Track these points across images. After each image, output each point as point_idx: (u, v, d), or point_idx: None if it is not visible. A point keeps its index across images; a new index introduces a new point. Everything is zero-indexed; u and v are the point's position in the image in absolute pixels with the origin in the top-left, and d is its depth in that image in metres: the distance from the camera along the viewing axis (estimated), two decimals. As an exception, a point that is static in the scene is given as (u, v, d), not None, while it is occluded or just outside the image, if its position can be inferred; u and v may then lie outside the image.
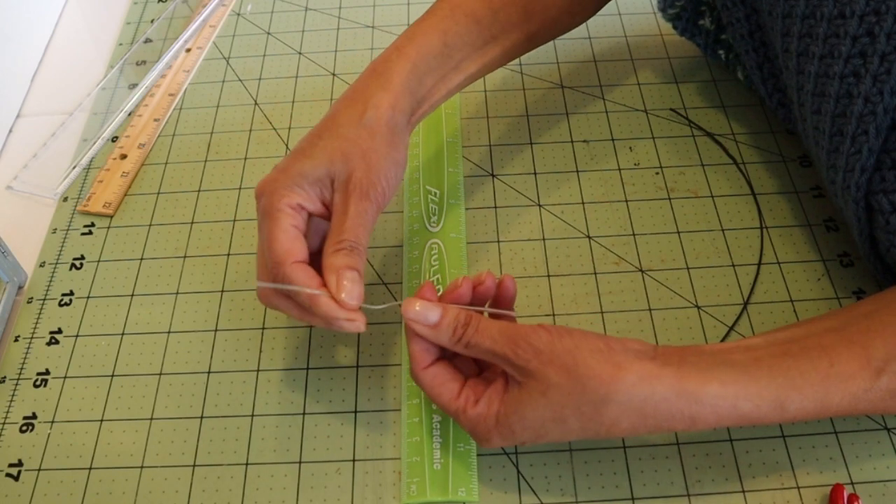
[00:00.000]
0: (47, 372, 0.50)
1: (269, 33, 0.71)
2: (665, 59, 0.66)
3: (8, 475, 0.46)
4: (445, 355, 0.43)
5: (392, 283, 0.53)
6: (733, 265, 0.53)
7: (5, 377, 0.50)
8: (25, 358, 0.51)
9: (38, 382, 0.50)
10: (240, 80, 0.67)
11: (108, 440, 0.47)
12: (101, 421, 0.48)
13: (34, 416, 0.48)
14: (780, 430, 0.46)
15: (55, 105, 0.67)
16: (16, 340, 0.52)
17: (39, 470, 0.46)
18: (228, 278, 0.54)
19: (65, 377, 0.50)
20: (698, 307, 0.51)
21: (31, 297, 0.54)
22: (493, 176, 0.59)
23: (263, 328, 0.51)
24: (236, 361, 0.50)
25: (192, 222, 0.57)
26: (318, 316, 0.41)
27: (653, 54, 0.67)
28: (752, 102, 0.62)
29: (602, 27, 0.69)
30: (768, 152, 0.59)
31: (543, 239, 0.55)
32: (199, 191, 0.59)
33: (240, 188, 0.59)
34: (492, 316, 0.43)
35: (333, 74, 0.67)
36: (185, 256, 0.56)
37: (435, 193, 0.57)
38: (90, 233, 0.57)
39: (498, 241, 0.55)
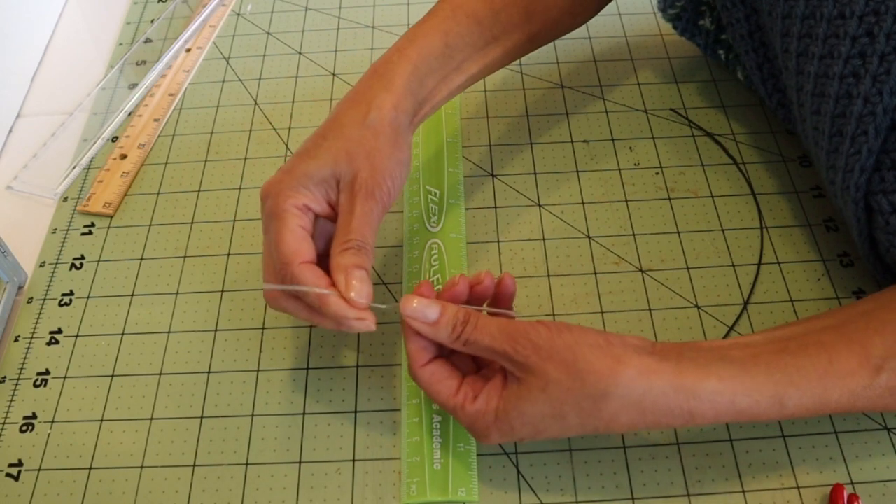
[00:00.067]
0: (47, 372, 0.50)
1: (269, 33, 0.71)
2: (665, 59, 0.66)
3: (8, 475, 0.46)
4: (443, 353, 0.43)
5: (392, 283, 0.53)
6: (733, 265, 0.53)
7: (5, 377, 0.50)
8: (25, 358, 0.51)
9: (38, 382, 0.50)
10: (240, 80, 0.67)
11: (108, 440, 0.47)
12: (101, 421, 0.48)
13: (34, 416, 0.48)
14: (780, 429, 0.46)
15: (55, 105, 0.67)
16: (16, 340, 0.52)
17: (39, 470, 0.46)
18: (228, 278, 0.54)
19: (65, 377, 0.50)
20: (698, 307, 0.51)
21: (31, 297, 0.54)
22: (493, 176, 0.59)
23: (263, 328, 0.51)
24: (236, 361, 0.50)
25: (192, 222, 0.57)
26: (328, 316, 0.41)
27: (653, 54, 0.67)
28: (752, 102, 0.62)
29: (602, 27, 0.69)
30: (768, 152, 0.59)
31: (543, 239, 0.55)
32: (199, 191, 0.59)
33: (240, 188, 0.59)
34: (490, 314, 0.43)
35: (333, 74, 0.67)
36: (185, 256, 0.56)
37: (435, 193, 0.57)
38: (90, 233, 0.57)
39: (498, 241, 0.55)
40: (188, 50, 0.70)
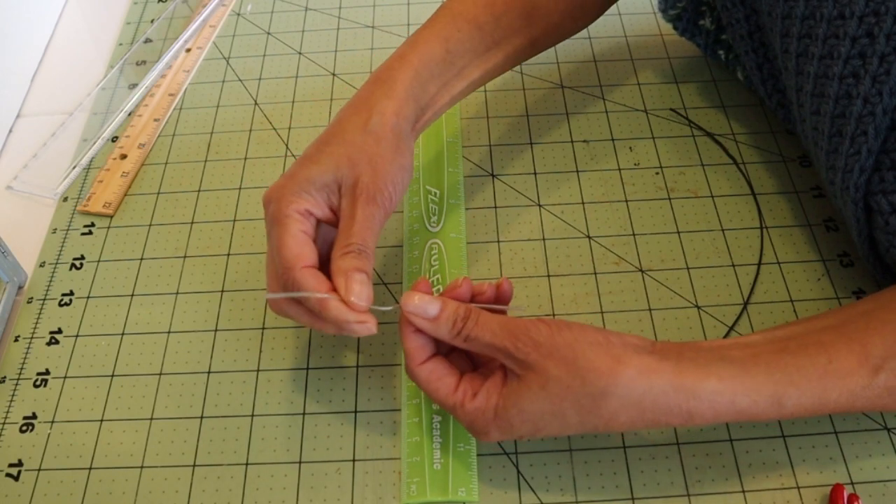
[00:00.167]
0: (47, 372, 0.50)
1: (269, 33, 0.71)
2: (665, 59, 0.66)
3: (8, 475, 0.46)
4: (440, 352, 0.43)
5: (392, 283, 0.53)
6: (733, 265, 0.53)
7: (5, 377, 0.50)
8: (25, 358, 0.51)
9: (38, 382, 0.50)
10: (240, 80, 0.67)
11: (108, 440, 0.47)
12: (101, 421, 0.48)
13: (34, 416, 0.48)
14: (780, 429, 0.46)
15: (55, 105, 0.67)
16: (16, 340, 0.52)
17: (39, 470, 0.46)
18: (228, 278, 0.54)
19: (65, 377, 0.50)
20: (698, 307, 0.51)
21: (31, 297, 0.54)
22: (493, 176, 0.59)
23: (263, 328, 0.51)
24: (236, 361, 0.50)
25: (192, 222, 0.57)
26: (329, 320, 0.41)
27: (653, 54, 0.67)
28: (752, 102, 0.62)
29: (602, 27, 0.69)
30: (768, 152, 0.59)
31: (543, 239, 0.55)
32: (199, 191, 0.59)
33: (240, 188, 0.59)
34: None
35: (333, 74, 0.67)
36: (185, 256, 0.56)
37: (435, 193, 0.57)
38: (90, 233, 0.57)
39: (498, 241, 0.55)
40: (188, 50, 0.70)
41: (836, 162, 0.45)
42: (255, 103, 0.65)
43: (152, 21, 0.73)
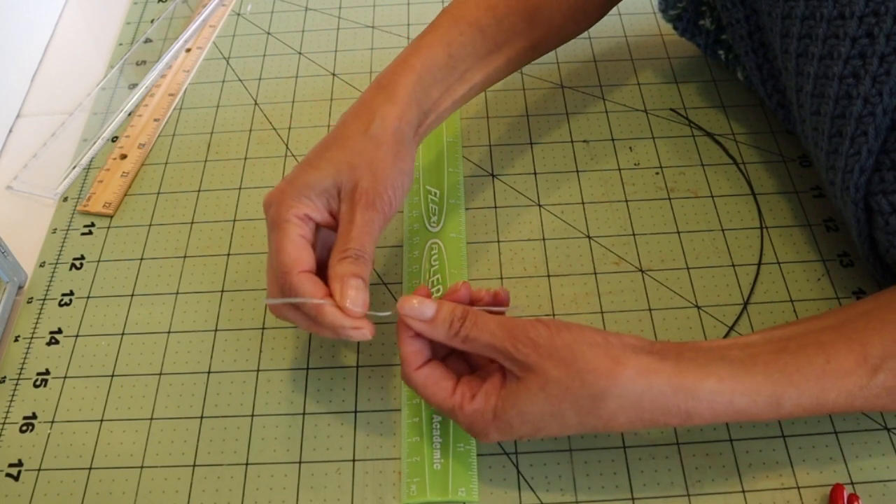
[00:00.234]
0: (47, 372, 0.50)
1: (269, 33, 0.71)
2: (665, 59, 0.66)
3: (8, 475, 0.46)
4: (436, 357, 0.43)
5: (392, 283, 0.53)
6: (733, 265, 0.53)
7: (5, 377, 0.50)
8: (25, 358, 0.51)
9: (38, 382, 0.50)
10: (240, 80, 0.67)
11: (108, 440, 0.47)
12: (101, 421, 0.48)
13: (34, 416, 0.48)
14: (780, 429, 0.46)
15: (55, 105, 0.67)
16: (16, 340, 0.52)
17: (39, 470, 0.46)
18: (228, 278, 0.54)
19: (65, 377, 0.50)
20: (698, 307, 0.51)
21: (31, 297, 0.54)
22: (493, 176, 0.59)
23: (263, 328, 0.51)
24: (236, 361, 0.50)
25: (192, 222, 0.57)
26: (325, 325, 0.42)
27: (653, 54, 0.67)
28: (752, 102, 0.62)
29: (602, 27, 0.69)
30: (768, 152, 0.59)
31: (543, 239, 0.55)
32: (199, 191, 0.59)
33: (240, 188, 0.59)
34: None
35: (333, 74, 0.67)
36: (185, 256, 0.56)
37: (435, 193, 0.57)
38: (90, 233, 0.57)
39: (498, 241, 0.55)
40: (188, 50, 0.70)
41: (836, 162, 0.45)
42: (255, 103, 0.65)
43: (152, 21, 0.73)
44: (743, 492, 0.44)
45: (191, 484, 0.45)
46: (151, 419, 0.48)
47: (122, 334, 0.52)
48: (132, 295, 0.54)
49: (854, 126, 0.43)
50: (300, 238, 0.43)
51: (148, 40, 0.71)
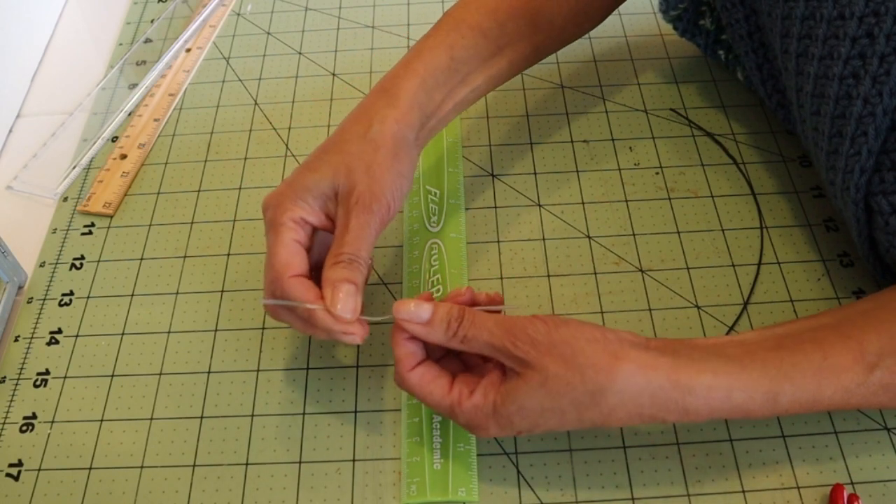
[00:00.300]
0: (47, 372, 0.50)
1: (269, 33, 0.71)
2: (665, 59, 0.66)
3: (8, 475, 0.46)
4: (431, 358, 0.43)
5: (392, 283, 0.53)
6: (733, 265, 0.53)
7: (5, 377, 0.50)
8: (25, 358, 0.51)
9: (38, 382, 0.50)
10: (240, 80, 0.67)
11: (108, 440, 0.47)
12: (101, 421, 0.48)
13: (34, 416, 0.48)
14: (780, 429, 0.46)
15: (55, 105, 0.67)
16: (16, 340, 0.52)
17: (39, 470, 0.46)
18: (228, 278, 0.54)
19: (65, 377, 0.50)
20: (698, 307, 0.51)
21: (31, 297, 0.54)
22: (493, 176, 0.59)
23: (263, 328, 0.51)
24: (236, 361, 0.50)
25: (192, 222, 0.57)
26: (318, 328, 0.42)
27: (653, 54, 0.67)
28: (752, 102, 0.62)
29: (602, 27, 0.68)
30: (768, 152, 0.59)
31: (543, 239, 0.55)
32: (199, 191, 0.59)
33: (240, 188, 0.59)
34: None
35: (333, 74, 0.67)
36: (185, 256, 0.56)
37: (435, 193, 0.57)
38: (90, 233, 0.57)
39: (498, 241, 0.55)
40: (188, 50, 0.70)
41: (836, 162, 0.45)
42: (255, 103, 0.65)
43: (152, 21, 0.73)
44: (743, 492, 0.44)
45: (191, 484, 0.45)
46: (151, 419, 0.48)
47: (122, 334, 0.52)
48: (132, 295, 0.54)
49: (854, 126, 0.43)
50: (294, 242, 0.43)
51: (148, 40, 0.71)
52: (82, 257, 0.56)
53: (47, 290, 0.54)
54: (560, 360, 0.38)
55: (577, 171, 0.59)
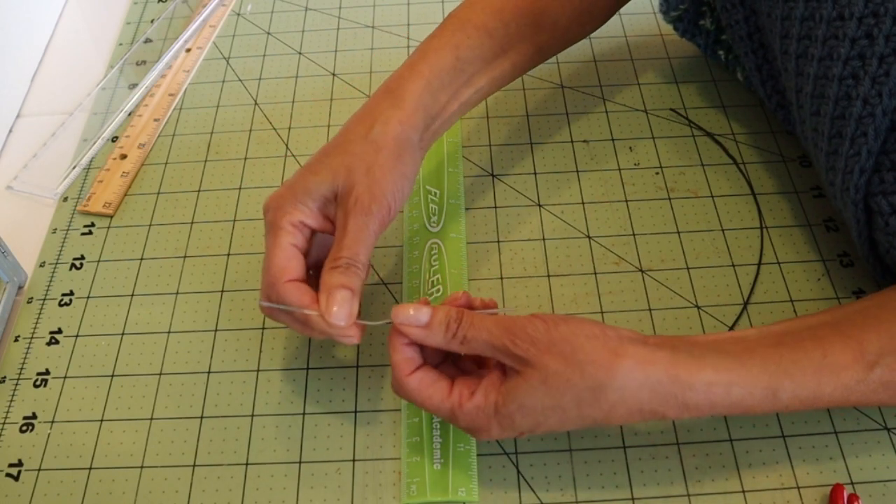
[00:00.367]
0: (47, 372, 0.50)
1: (269, 33, 0.71)
2: (665, 59, 0.66)
3: (8, 475, 0.46)
4: (429, 364, 0.43)
5: (392, 283, 0.53)
6: (733, 265, 0.53)
7: (5, 377, 0.50)
8: (25, 358, 0.51)
9: (38, 382, 0.50)
10: (240, 80, 0.67)
11: (108, 440, 0.47)
12: (101, 421, 0.48)
13: (34, 416, 0.48)
14: (780, 429, 0.46)
15: (55, 105, 0.67)
16: (16, 340, 0.52)
17: (39, 470, 0.46)
18: (228, 278, 0.54)
19: (65, 377, 0.50)
20: (698, 307, 0.51)
21: (31, 297, 0.54)
22: (493, 176, 0.59)
23: (263, 328, 0.51)
24: (236, 361, 0.50)
25: (192, 222, 0.57)
26: (315, 331, 0.42)
27: (653, 54, 0.67)
28: (752, 102, 0.62)
29: (602, 27, 0.68)
30: (768, 152, 0.59)
31: (543, 239, 0.55)
32: (199, 191, 0.59)
33: (240, 188, 0.59)
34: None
35: (333, 74, 0.67)
36: (185, 256, 0.56)
37: (435, 193, 0.57)
38: (90, 233, 0.57)
39: (498, 241, 0.55)
40: (188, 50, 0.70)
41: (835, 163, 0.45)
42: (255, 103, 0.65)
43: (152, 21, 0.73)
44: (743, 492, 0.44)
45: (191, 484, 0.45)
46: (151, 419, 0.48)
47: (122, 334, 0.52)
48: (132, 295, 0.54)
49: (854, 127, 0.43)
50: (291, 247, 0.43)
51: (148, 40, 0.71)
52: (82, 257, 0.56)
53: (47, 290, 0.54)
54: (560, 357, 0.38)
55: (577, 171, 0.59)
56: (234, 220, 0.57)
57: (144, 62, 0.69)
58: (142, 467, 0.46)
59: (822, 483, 0.44)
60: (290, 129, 0.63)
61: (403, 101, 0.46)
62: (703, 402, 0.38)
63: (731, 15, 0.54)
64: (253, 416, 0.48)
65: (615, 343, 0.39)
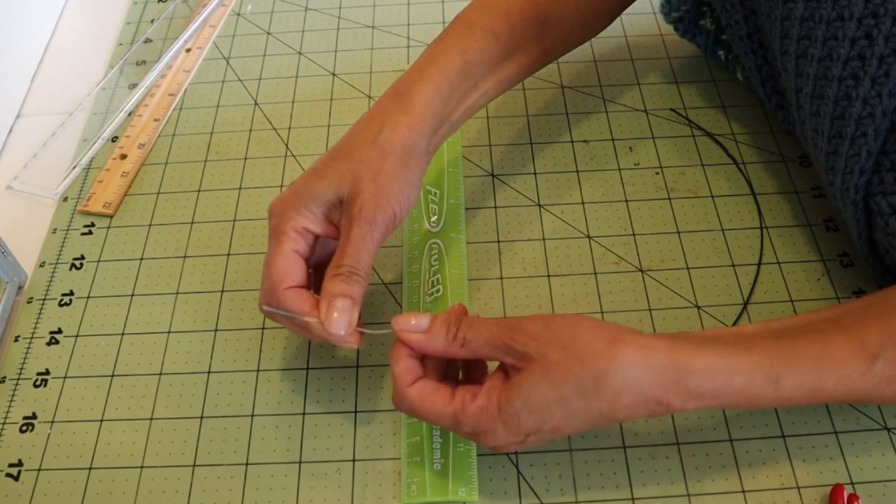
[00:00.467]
0: (47, 372, 0.50)
1: (269, 33, 0.71)
2: (665, 59, 0.66)
3: (8, 475, 0.46)
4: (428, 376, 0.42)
5: (392, 283, 0.53)
6: (733, 265, 0.53)
7: (5, 377, 0.50)
8: (25, 358, 0.51)
9: (38, 382, 0.50)
10: (240, 80, 0.67)
11: (108, 440, 0.47)
12: (101, 421, 0.48)
13: (34, 416, 0.48)
14: (780, 429, 0.46)
15: (55, 105, 0.67)
16: (16, 340, 0.52)
17: (39, 470, 0.46)
18: (228, 278, 0.54)
19: (65, 377, 0.50)
20: (698, 307, 0.51)
21: (31, 297, 0.54)
22: (493, 176, 0.59)
23: (263, 328, 0.51)
24: (236, 361, 0.50)
25: (192, 222, 0.57)
26: (315, 337, 0.43)
27: (653, 54, 0.67)
28: (752, 102, 0.62)
29: (602, 27, 0.69)
30: (768, 152, 0.59)
31: (543, 239, 0.55)
32: (199, 191, 0.59)
33: (240, 188, 0.59)
34: None
35: (333, 74, 0.67)
36: (185, 256, 0.56)
37: (435, 193, 0.57)
38: (90, 233, 0.57)
39: (498, 241, 0.55)
40: (188, 50, 0.70)
41: (835, 163, 0.45)
42: (255, 103, 0.65)
43: (152, 21, 0.73)
44: (743, 492, 0.44)
45: (191, 484, 0.45)
46: (151, 419, 0.48)
47: (122, 334, 0.52)
48: (132, 295, 0.54)
49: (853, 127, 0.43)
50: (292, 253, 0.43)
51: (148, 40, 0.71)
52: (82, 257, 0.56)
53: (47, 290, 0.54)
54: (560, 347, 0.38)
55: (577, 171, 0.59)
56: (234, 220, 0.57)
57: (144, 62, 0.69)
58: (142, 467, 0.46)
59: (822, 483, 0.44)
60: (290, 129, 0.63)
61: (412, 106, 0.46)
62: (706, 388, 0.38)
63: (730, 15, 0.54)
64: (253, 416, 0.48)
65: (614, 332, 0.39)
